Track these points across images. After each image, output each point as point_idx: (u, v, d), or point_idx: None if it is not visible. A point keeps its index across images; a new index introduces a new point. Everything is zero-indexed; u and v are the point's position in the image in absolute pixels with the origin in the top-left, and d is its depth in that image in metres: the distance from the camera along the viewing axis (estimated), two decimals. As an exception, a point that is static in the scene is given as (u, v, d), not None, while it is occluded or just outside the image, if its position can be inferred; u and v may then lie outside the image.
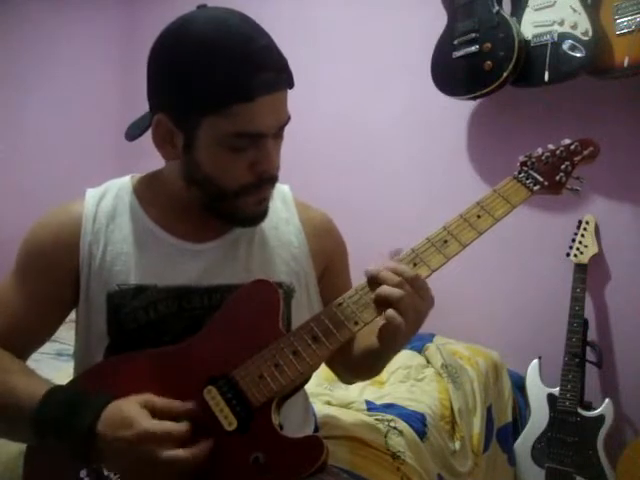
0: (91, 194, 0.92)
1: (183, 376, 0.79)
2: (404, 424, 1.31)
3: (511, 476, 1.71)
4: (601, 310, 1.76)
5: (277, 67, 0.78)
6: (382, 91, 2.14)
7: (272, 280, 0.86)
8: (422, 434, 1.33)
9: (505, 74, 1.62)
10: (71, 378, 0.88)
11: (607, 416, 1.58)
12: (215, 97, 0.75)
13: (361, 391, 1.52)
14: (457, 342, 1.87)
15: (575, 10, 1.55)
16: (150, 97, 0.84)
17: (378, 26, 2.13)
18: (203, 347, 0.81)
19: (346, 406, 1.37)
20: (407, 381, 1.60)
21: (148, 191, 0.92)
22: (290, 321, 0.93)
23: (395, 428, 1.28)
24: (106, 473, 0.75)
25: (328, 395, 1.42)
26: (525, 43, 1.63)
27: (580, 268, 1.67)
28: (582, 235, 1.70)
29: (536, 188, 0.87)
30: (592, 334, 1.73)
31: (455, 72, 1.75)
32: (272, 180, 0.85)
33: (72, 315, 0.92)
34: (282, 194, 1.01)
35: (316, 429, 1.10)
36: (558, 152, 0.90)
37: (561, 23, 1.57)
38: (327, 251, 1.00)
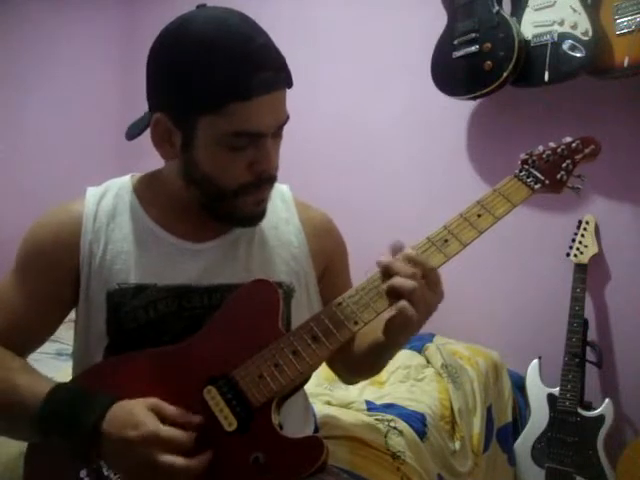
0: (91, 193, 0.92)
1: (183, 376, 0.79)
2: (404, 424, 1.31)
3: (511, 476, 1.71)
4: (601, 310, 1.76)
5: (276, 66, 0.78)
6: (382, 91, 2.14)
7: (272, 280, 0.86)
8: (422, 434, 1.33)
9: (505, 74, 1.62)
10: (70, 378, 0.88)
11: (607, 416, 1.58)
12: (213, 96, 0.75)
13: (361, 391, 1.52)
14: (457, 342, 1.86)
15: (575, 10, 1.55)
16: (149, 96, 0.84)
17: (378, 26, 2.13)
18: (203, 347, 0.81)
19: (346, 406, 1.37)
20: (407, 381, 1.60)
21: (148, 191, 0.92)
22: (290, 321, 0.93)
23: (395, 428, 1.27)
24: (106, 473, 0.75)
25: (328, 395, 1.42)
26: (525, 43, 1.63)
27: (580, 268, 1.67)
28: (582, 235, 1.70)
29: (537, 187, 0.87)
30: (592, 334, 1.73)
31: (455, 72, 1.74)
32: (271, 180, 0.85)
33: (72, 315, 0.92)
34: (282, 194, 1.00)
35: (316, 429, 1.10)
36: (559, 150, 0.90)
37: (561, 23, 1.57)
38: (327, 251, 1.00)
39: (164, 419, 0.72)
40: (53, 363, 1.65)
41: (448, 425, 1.48)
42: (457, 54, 1.72)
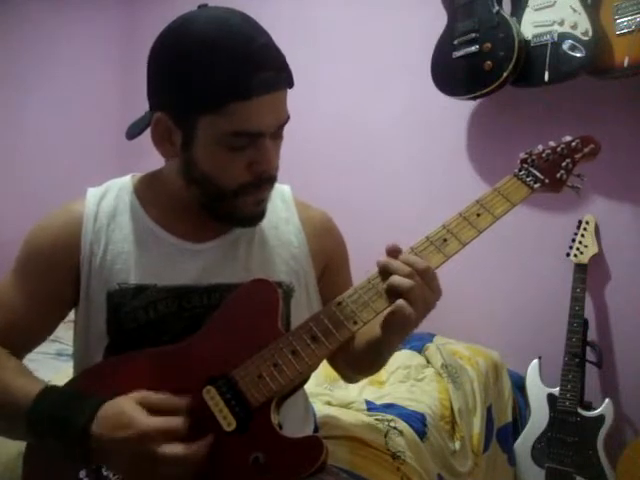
0: (92, 193, 0.92)
1: (182, 376, 0.79)
2: (404, 424, 1.31)
3: (511, 476, 1.71)
4: (601, 310, 1.76)
5: (277, 66, 0.78)
6: (382, 91, 2.14)
7: (271, 279, 0.86)
8: (422, 434, 1.33)
9: (505, 74, 1.62)
10: (70, 378, 0.87)
11: (607, 416, 1.58)
12: (214, 96, 0.75)
13: (361, 391, 1.52)
14: (457, 342, 1.86)
15: (575, 10, 1.55)
16: (150, 96, 0.84)
17: (378, 26, 2.13)
18: (202, 347, 0.81)
19: (346, 406, 1.37)
20: (407, 381, 1.60)
21: (149, 191, 0.93)
22: (289, 321, 0.93)
23: (395, 428, 1.27)
24: (105, 473, 0.75)
25: (328, 395, 1.41)
26: (525, 43, 1.63)
27: (580, 268, 1.67)
28: (582, 235, 1.70)
29: (536, 186, 0.87)
30: (592, 334, 1.73)
31: (455, 72, 1.74)
32: (271, 180, 0.85)
33: (72, 315, 0.92)
34: (282, 194, 1.01)
35: (316, 429, 1.10)
36: (559, 149, 0.90)
37: (561, 23, 1.57)
38: (327, 250, 1.00)
39: (154, 409, 0.71)
40: (53, 363, 1.65)
41: (448, 425, 1.48)
42: (457, 54, 1.72)
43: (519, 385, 1.81)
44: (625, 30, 1.48)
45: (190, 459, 0.69)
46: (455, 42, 1.73)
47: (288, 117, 0.83)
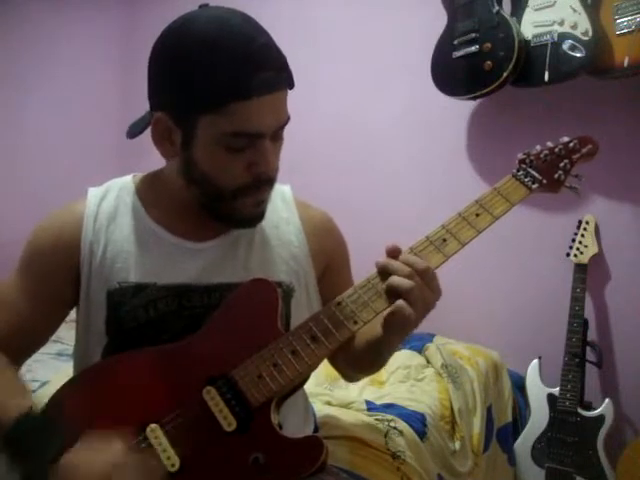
0: (93, 193, 0.92)
1: (182, 376, 0.79)
2: (404, 424, 1.30)
3: (511, 476, 1.71)
4: (601, 310, 1.76)
5: (277, 67, 0.78)
6: (382, 91, 2.14)
7: (271, 279, 0.86)
8: (422, 434, 1.33)
9: (505, 74, 1.62)
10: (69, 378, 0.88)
11: (607, 416, 1.58)
12: (215, 96, 0.75)
13: (361, 391, 1.52)
14: (457, 342, 1.86)
15: (575, 10, 1.55)
16: (150, 95, 0.84)
17: (378, 26, 2.13)
18: (202, 346, 0.81)
19: (346, 406, 1.37)
20: (407, 381, 1.60)
21: (150, 191, 0.93)
22: (289, 320, 0.93)
23: (395, 428, 1.27)
24: None
25: (328, 395, 1.41)
26: (525, 43, 1.63)
27: (580, 268, 1.67)
28: (582, 235, 1.70)
29: (534, 186, 0.87)
30: (592, 334, 1.73)
31: (455, 72, 1.74)
32: (270, 182, 0.85)
33: (73, 315, 0.92)
34: (282, 193, 1.01)
35: (316, 429, 1.10)
36: (557, 150, 0.90)
37: (561, 23, 1.57)
38: (327, 250, 1.00)
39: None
40: (53, 363, 1.66)
41: (448, 425, 1.48)
42: (457, 54, 1.72)
43: (519, 385, 1.81)
44: (625, 30, 1.48)
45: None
46: (455, 42, 1.73)
47: (288, 118, 0.83)
